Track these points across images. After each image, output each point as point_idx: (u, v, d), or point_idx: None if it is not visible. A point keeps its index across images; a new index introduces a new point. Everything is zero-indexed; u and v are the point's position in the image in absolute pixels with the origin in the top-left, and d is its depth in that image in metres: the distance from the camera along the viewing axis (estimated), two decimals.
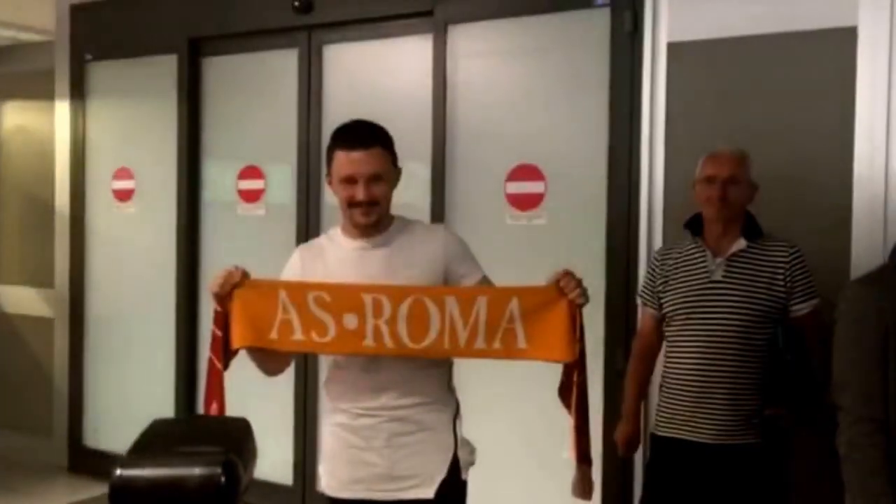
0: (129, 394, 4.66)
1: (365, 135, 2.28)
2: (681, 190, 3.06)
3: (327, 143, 2.34)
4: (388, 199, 2.30)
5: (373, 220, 2.27)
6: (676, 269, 2.69)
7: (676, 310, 2.66)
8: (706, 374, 2.58)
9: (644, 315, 2.85)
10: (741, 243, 2.60)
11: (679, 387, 2.64)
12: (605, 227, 3.30)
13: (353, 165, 2.23)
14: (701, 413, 2.59)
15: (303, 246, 2.47)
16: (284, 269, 2.38)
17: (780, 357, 2.52)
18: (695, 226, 2.70)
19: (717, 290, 2.60)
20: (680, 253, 2.72)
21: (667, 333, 2.72)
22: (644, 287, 2.82)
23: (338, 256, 2.33)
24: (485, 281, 2.34)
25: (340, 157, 2.25)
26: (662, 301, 2.72)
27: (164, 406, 4.41)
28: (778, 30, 2.90)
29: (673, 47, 3.09)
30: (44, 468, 4.90)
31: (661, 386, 2.73)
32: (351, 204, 2.26)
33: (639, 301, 2.89)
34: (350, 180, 2.24)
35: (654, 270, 2.77)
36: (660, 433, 2.71)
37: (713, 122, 3.05)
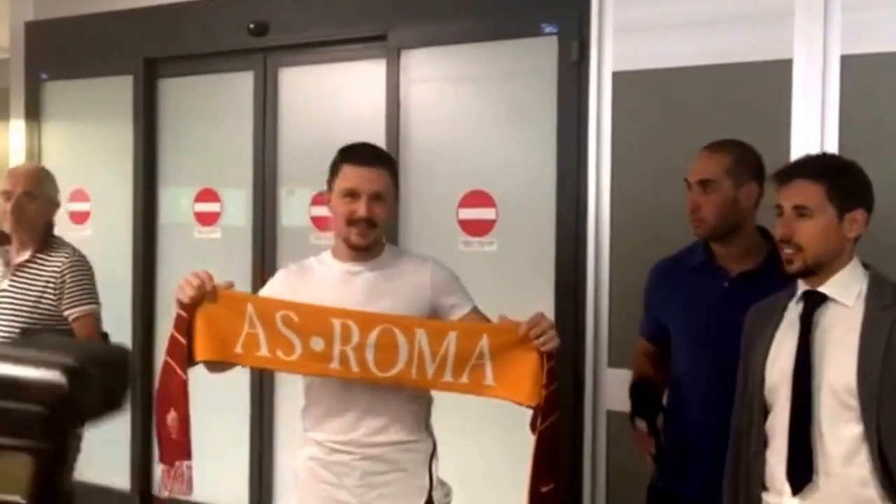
0: None
1: (375, 154, 2.30)
2: (627, 213, 3.13)
3: (333, 160, 2.31)
4: (384, 223, 2.29)
5: (369, 241, 2.24)
6: None
7: None
8: None
9: None
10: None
11: None
12: (554, 252, 3.33)
13: (358, 180, 2.21)
14: None
15: (290, 265, 2.43)
16: (266, 285, 2.37)
17: None
18: None
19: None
20: None
21: None
22: None
23: (323, 277, 2.30)
24: (475, 311, 2.32)
25: (347, 170, 2.24)
26: None
27: (119, 432, 4.34)
28: (717, 61, 2.96)
29: (618, 76, 3.15)
30: None
31: None
32: (350, 221, 2.22)
33: None
34: (353, 194, 2.21)
35: None
36: None
37: (657, 148, 3.11)
